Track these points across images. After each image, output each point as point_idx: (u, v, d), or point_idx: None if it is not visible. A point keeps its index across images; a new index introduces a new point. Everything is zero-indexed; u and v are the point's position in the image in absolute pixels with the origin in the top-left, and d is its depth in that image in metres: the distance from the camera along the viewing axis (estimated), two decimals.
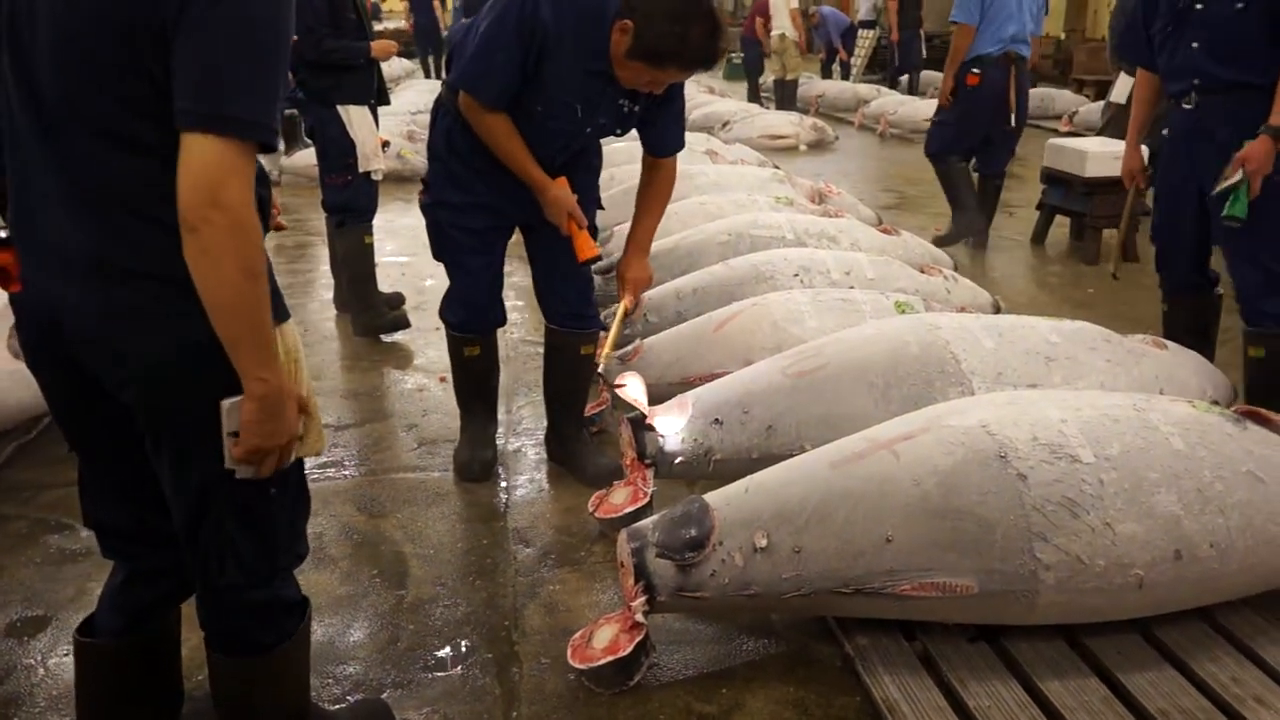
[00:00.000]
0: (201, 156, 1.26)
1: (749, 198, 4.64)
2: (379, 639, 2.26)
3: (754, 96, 12.18)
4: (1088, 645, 2.06)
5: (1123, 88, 5.90)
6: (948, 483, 1.98)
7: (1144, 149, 3.60)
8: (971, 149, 5.73)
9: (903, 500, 1.97)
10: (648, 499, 2.49)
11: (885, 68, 14.46)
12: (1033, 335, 2.70)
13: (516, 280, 4.60)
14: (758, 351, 2.99)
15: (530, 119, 2.60)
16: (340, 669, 2.15)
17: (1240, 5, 2.87)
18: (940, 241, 5.24)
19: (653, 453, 2.54)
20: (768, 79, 12.05)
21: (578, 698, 2.05)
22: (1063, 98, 11.31)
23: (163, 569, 1.67)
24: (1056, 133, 9.03)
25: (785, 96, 11.60)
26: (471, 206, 2.75)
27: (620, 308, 2.96)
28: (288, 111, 6.03)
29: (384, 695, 2.06)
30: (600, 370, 2.99)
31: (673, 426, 2.56)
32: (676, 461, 2.54)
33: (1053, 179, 5.71)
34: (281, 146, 6.72)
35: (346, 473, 3.07)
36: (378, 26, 10.39)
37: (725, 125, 9.35)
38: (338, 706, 1.99)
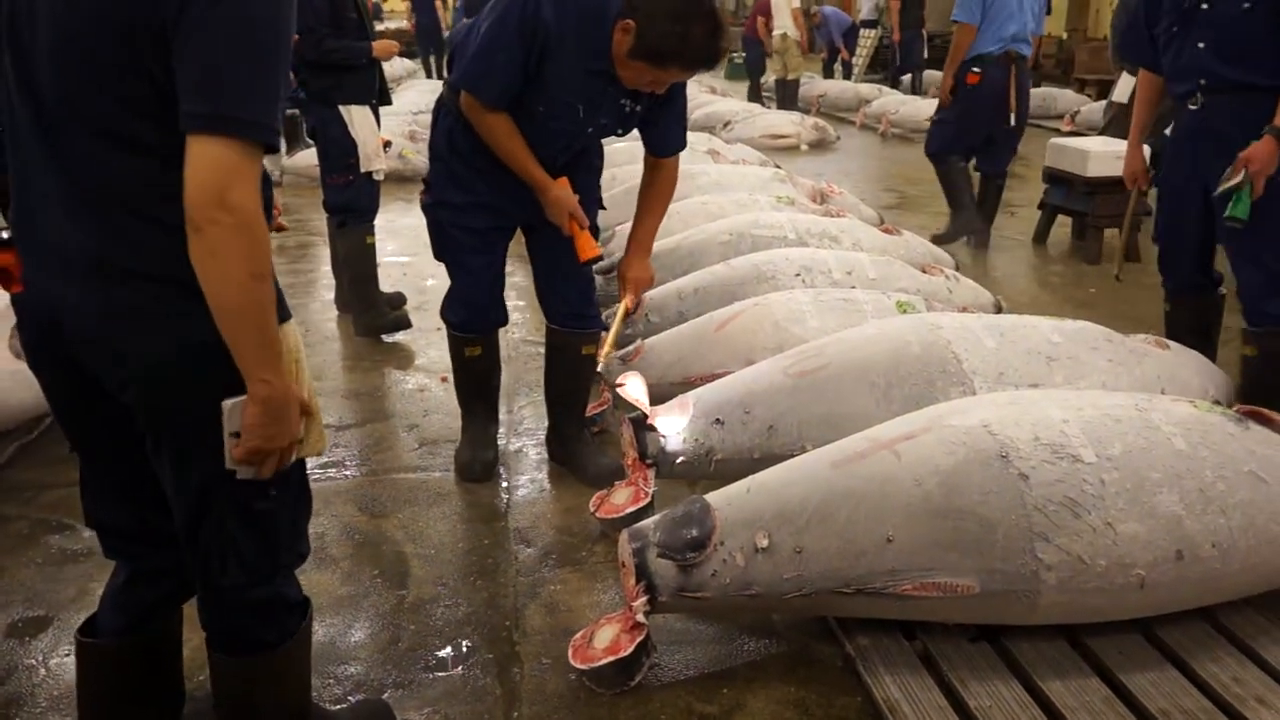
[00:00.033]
0: (207, 158, 1.26)
1: (750, 197, 4.64)
2: (380, 639, 2.26)
3: (755, 96, 12.16)
4: (1089, 645, 2.06)
5: (1125, 87, 5.89)
6: (949, 482, 1.97)
7: (1146, 149, 3.59)
8: (972, 148, 5.71)
9: (904, 500, 1.97)
10: (649, 499, 2.49)
11: (887, 67, 14.42)
12: (1034, 335, 2.70)
13: (517, 280, 4.60)
14: (759, 351, 2.99)
15: (532, 119, 2.59)
16: (341, 669, 2.15)
17: (1247, 5, 2.85)
18: (937, 240, 5.24)
19: (654, 453, 2.54)
20: (769, 79, 12.03)
21: (579, 698, 2.05)
22: (1065, 97, 11.31)
23: (164, 569, 1.67)
24: (1058, 132, 9.02)
25: (787, 96, 11.58)
26: (473, 206, 2.75)
27: (621, 308, 2.95)
28: (289, 112, 6.03)
29: (385, 695, 2.06)
30: (601, 370, 2.98)
31: (674, 426, 2.56)
32: (678, 461, 2.54)
33: (1055, 178, 5.71)
34: (283, 147, 6.71)
35: (348, 473, 3.08)
36: (379, 26, 10.38)
37: (727, 125, 9.34)
38: (339, 707, 1.99)
